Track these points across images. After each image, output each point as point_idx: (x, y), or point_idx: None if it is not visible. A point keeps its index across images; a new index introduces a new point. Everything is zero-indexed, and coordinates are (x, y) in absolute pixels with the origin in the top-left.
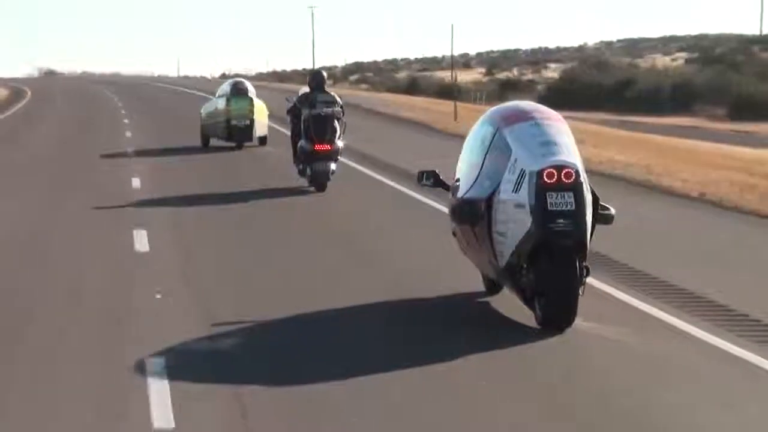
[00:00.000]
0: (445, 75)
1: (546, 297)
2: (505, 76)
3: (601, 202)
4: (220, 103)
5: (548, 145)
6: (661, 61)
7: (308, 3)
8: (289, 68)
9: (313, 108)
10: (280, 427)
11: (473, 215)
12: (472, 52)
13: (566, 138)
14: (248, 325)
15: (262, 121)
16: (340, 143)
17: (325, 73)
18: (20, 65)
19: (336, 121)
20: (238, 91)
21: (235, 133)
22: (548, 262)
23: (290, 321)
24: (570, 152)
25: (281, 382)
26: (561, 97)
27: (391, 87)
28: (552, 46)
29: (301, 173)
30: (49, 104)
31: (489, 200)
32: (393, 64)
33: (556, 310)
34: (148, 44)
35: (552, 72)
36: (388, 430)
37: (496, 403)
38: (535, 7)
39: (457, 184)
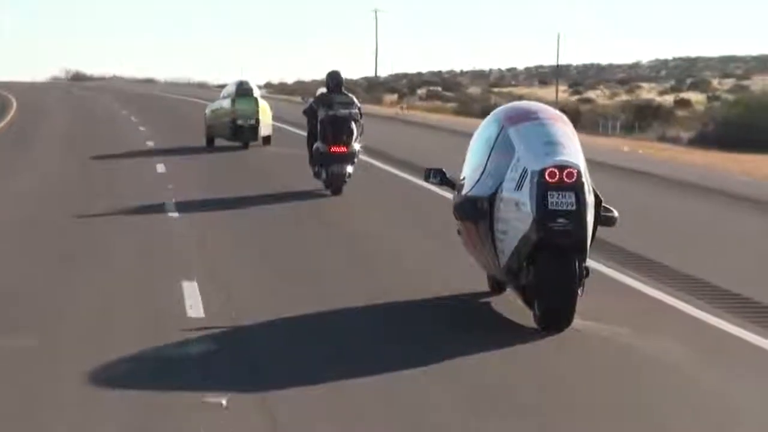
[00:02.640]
0: (522, 92)
1: (545, 297)
2: (598, 94)
3: (605, 204)
4: (226, 104)
5: (552, 144)
6: None
7: (372, 6)
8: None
9: (330, 109)
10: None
11: (476, 213)
12: (521, 66)
13: (571, 139)
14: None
15: (266, 121)
16: (356, 146)
17: (342, 74)
18: (47, 67)
19: (353, 123)
20: (243, 92)
21: (241, 133)
22: (548, 261)
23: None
24: (573, 153)
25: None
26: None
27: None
28: (604, 62)
29: (317, 175)
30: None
31: (491, 198)
32: (438, 76)
33: (555, 311)
34: (186, 48)
35: (657, 93)
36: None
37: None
38: (584, 22)
39: (463, 182)
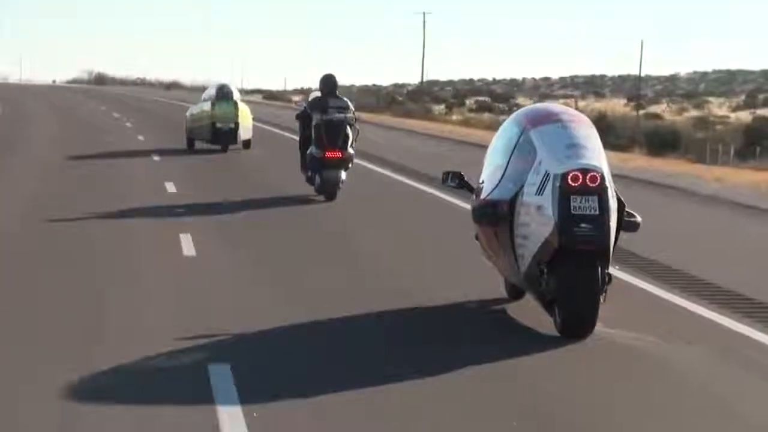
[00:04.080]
0: (581, 105)
1: (566, 303)
2: (664, 109)
3: (627, 209)
4: (206, 107)
5: (574, 147)
6: None
7: (419, 9)
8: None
9: (324, 113)
10: None
11: (495, 217)
12: (554, 75)
13: (593, 141)
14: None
15: (246, 125)
16: (351, 151)
17: (336, 78)
18: (69, 68)
19: (348, 128)
20: (223, 95)
21: (220, 136)
22: (569, 267)
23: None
24: (596, 156)
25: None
26: None
27: None
28: (643, 73)
29: (310, 181)
30: None
31: (512, 202)
32: (470, 85)
33: (577, 317)
34: (211, 51)
35: (729, 109)
36: None
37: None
38: (625, 32)
39: (482, 185)
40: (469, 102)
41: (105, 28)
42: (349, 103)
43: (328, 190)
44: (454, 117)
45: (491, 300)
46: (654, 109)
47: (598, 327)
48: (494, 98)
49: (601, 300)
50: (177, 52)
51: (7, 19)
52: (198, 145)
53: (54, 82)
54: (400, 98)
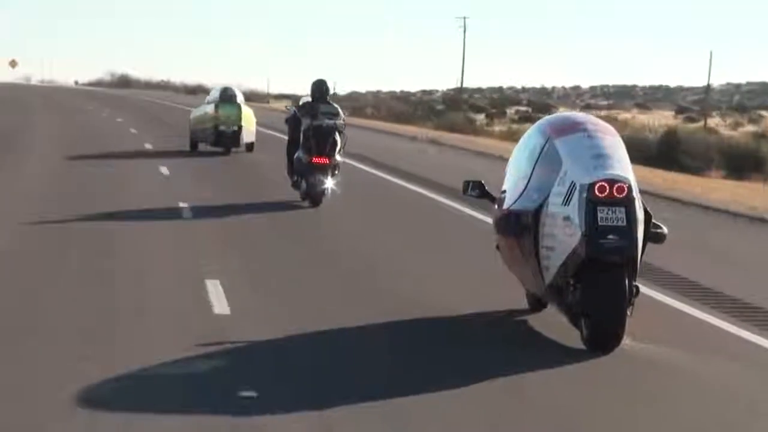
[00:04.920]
0: (627, 116)
1: (593, 316)
2: (717, 123)
3: (654, 221)
4: (209, 109)
5: (601, 157)
6: None
7: (458, 14)
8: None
9: (314, 119)
10: None
11: (519, 228)
12: (585, 84)
13: (620, 152)
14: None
15: (249, 128)
16: (338, 158)
17: (328, 83)
18: (93, 69)
19: (337, 134)
20: (226, 98)
21: (223, 139)
22: (596, 279)
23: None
24: (623, 166)
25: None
26: None
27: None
28: (672, 84)
29: (295, 186)
30: None
31: (537, 213)
32: (499, 93)
33: (603, 330)
34: (239, 55)
35: None
36: None
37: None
38: (651, 42)
39: (504, 195)
40: (510, 111)
41: (130, 27)
42: (340, 110)
43: (314, 196)
44: (496, 128)
45: (515, 311)
46: (699, 121)
47: (625, 340)
48: (535, 108)
49: (629, 313)
50: (200, 54)
51: (31, 18)
52: (201, 147)
53: (76, 83)
54: (439, 107)
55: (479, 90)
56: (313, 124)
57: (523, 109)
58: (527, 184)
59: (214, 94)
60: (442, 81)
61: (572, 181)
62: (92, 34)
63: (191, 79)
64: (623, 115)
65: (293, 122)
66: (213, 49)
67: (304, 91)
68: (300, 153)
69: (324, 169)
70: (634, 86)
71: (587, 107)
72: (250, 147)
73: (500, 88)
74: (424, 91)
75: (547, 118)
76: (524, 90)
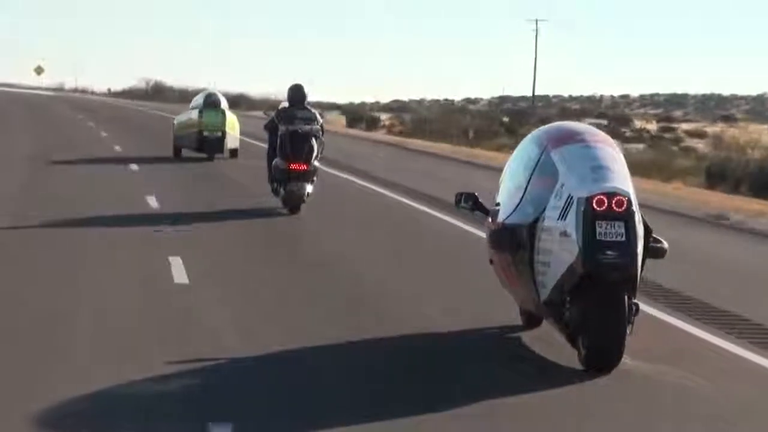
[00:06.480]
0: (716, 129)
1: (590, 334)
2: None
3: (654, 235)
4: (193, 115)
5: (599, 170)
6: None
7: (531, 17)
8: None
9: (290, 124)
10: None
11: (514, 242)
12: (634, 93)
13: (619, 164)
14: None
15: (233, 134)
16: (316, 164)
17: (306, 88)
18: (127, 75)
19: (314, 140)
20: (210, 104)
21: (207, 144)
22: (594, 296)
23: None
24: (622, 179)
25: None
26: None
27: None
28: (725, 93)
29: (275, 192)
30: None
31: (532, 227)
32: (545, 101)
33: (602, 349)
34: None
35: None
36: None
37: None
38: (707, 49)
39: (497, 208)
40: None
41: (164, 33)
42: (318, 115)
43: (292, 203)
44: None
45: (507, 327)
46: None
47: (625, 360)
48: (610, 119)
49: (628, 331)
50: (244, 60)
51: (62, 24)
52: (185, 153)
53: (109, 91)
54: (505, 119)
55: (524, 98)
56: (289, 130)
57: (596, 121)
58: (522, 196)
59: (198, 100)
60: (485, 89)
61: (569, 195)
62: (122, 38)
63: (232, 87)
64: (710, 129)
65: (271, 129)
66: (253, 56)
67: (346, 99)
68: (278, 159)
69: (302, 175)
70: (686, 94)
71: (665, 120)
72: (234, 153)
73: (546, 96)
74: (467, 100)
75: (543, 127)
76: (572, 98)
